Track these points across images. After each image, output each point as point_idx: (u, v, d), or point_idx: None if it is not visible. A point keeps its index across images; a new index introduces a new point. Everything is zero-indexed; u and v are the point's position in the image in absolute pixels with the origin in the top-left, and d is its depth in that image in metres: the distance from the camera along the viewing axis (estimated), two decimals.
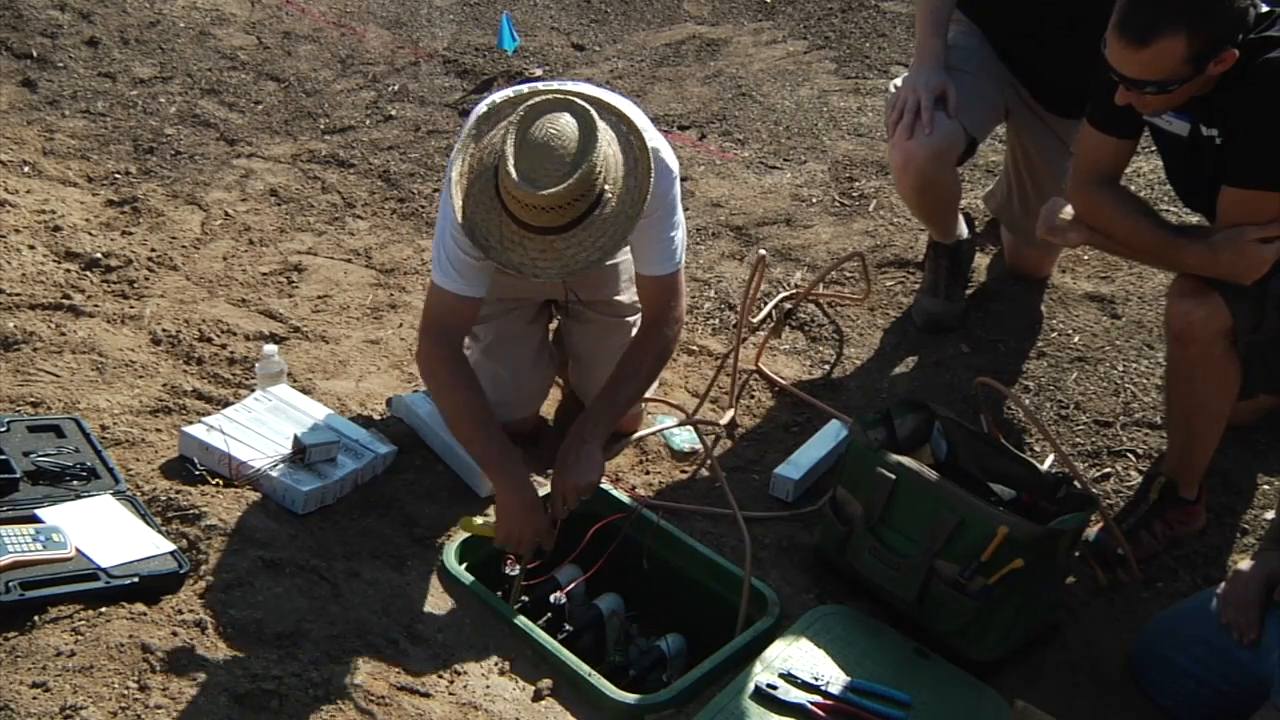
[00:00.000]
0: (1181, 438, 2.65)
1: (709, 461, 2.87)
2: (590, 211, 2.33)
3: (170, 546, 2.38)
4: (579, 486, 2.53)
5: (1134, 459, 2.97)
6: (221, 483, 2.63)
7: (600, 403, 2.68)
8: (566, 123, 2.30)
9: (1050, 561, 2.38)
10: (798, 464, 2.91)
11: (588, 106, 2.33)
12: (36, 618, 2.14)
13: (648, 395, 2.96)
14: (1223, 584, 2.35)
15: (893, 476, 2.44)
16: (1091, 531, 2.66)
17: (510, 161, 2.28)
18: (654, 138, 2.54)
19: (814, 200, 4.21)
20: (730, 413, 3.14)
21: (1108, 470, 2.94)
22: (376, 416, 3.03)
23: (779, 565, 2.65)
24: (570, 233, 2.34)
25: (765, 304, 3.58)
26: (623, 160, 2.40)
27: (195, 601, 2.27)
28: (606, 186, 2.34)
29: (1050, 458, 2.92)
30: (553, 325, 3.15)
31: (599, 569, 2.57)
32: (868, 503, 2.49)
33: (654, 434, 3.00)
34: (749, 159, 4.54)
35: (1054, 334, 3.42)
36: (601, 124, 2.35)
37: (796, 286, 3.67)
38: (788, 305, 3.58)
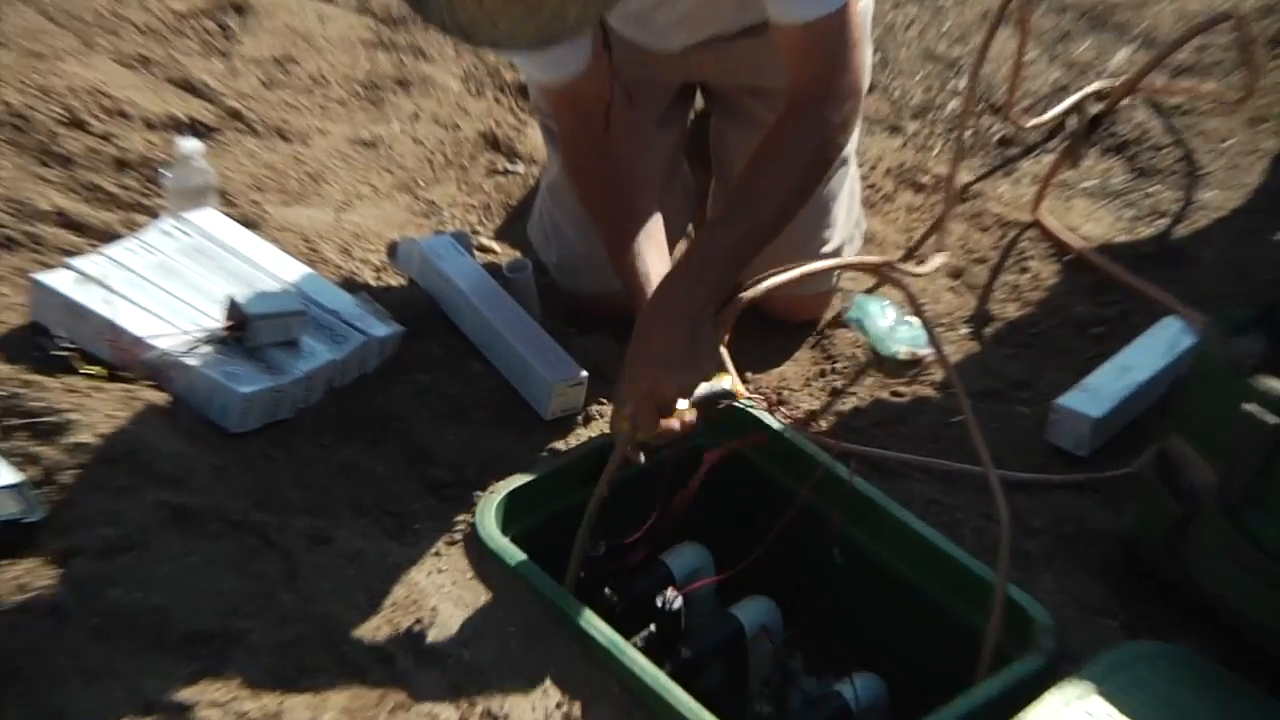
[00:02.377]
0: None
1: (943, 368, 2.06)
2: None
3: (15, 478, 1.74)
4: (671, 395, 1.68)
5: None
6: (106, 373, 1.96)
7: (713, 232, 1.82)
8: None
9: None
10: (1101, 392, 2.18)
11: None
12: None
13: (841, 257, 2.21)
14: None
15: (1276, 421, 1.75)
16: None
17: None
18: None
19: None
20: (939, 258, 2.38)
21: None
22: (371, 273, 2.33)
23: (1057, 566, 1.93)
24: None
25: (1057, 100, 2.78)
26: None
27: (51, 571, 1.66)
28: None
29: None
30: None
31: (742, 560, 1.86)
32: (1227, 467, 1.79)
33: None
34: None
35: None
36: None
37: (1118, 74, 2.84)
38: (1094, 109, 2.74)
